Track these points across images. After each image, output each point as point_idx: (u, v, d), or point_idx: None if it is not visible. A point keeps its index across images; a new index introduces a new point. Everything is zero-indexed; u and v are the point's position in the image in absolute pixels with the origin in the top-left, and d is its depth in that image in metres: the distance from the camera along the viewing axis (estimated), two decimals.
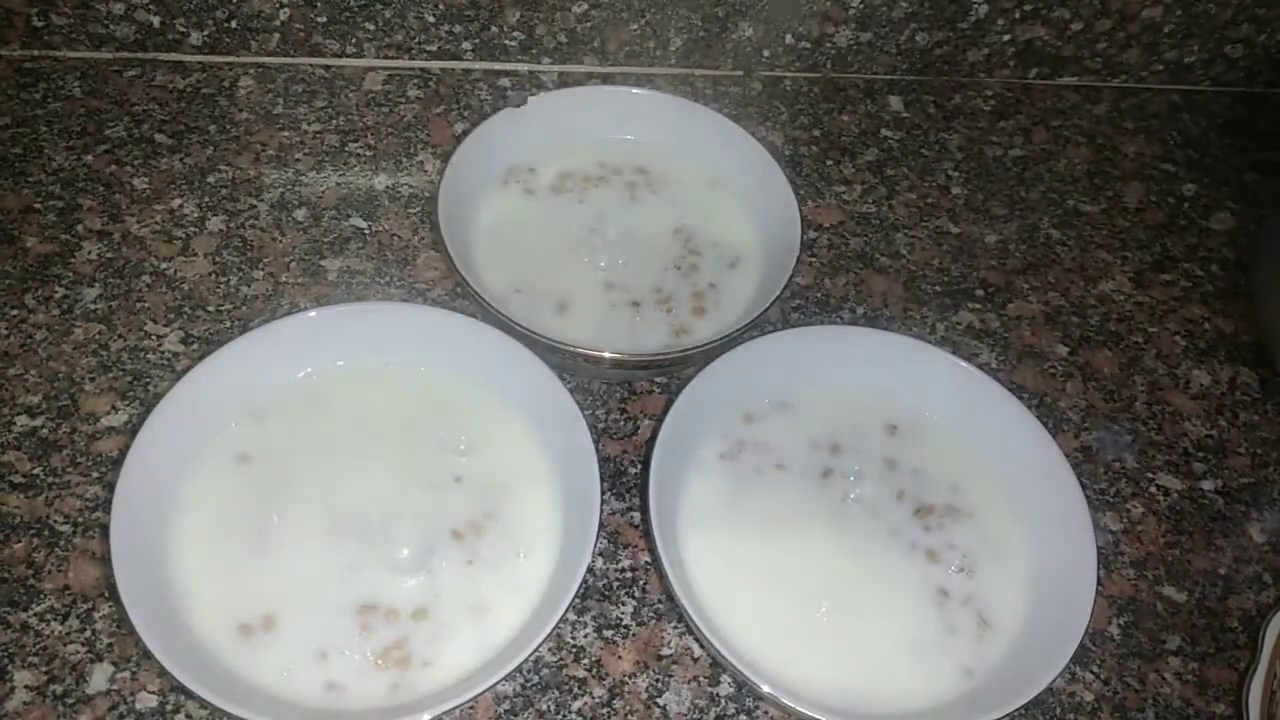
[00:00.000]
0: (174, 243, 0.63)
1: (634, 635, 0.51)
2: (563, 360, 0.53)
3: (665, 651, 0.51)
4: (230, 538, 0.47)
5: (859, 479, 0.53)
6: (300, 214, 0.65)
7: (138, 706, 0.46)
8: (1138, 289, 0.70)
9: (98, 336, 0.58)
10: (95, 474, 0.53)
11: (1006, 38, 0.79)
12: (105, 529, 0.44)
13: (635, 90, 0.66)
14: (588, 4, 0.73)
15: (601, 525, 0.47)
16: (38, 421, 0.54)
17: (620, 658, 0.50)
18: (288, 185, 0.66)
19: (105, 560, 0.45)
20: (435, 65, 0.75)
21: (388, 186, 0.67)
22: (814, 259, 0.68)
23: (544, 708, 0.48)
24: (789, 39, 0.77)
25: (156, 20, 0.70)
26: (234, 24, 0.71)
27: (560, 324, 0.57)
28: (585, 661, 0.50)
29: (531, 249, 0.60)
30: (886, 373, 0.55)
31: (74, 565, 0.50)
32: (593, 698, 0.49)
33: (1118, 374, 0.65)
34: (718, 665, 0.50)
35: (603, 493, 0.47)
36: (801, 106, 0.77)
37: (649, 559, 0.53)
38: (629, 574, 0.53)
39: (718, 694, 0.50)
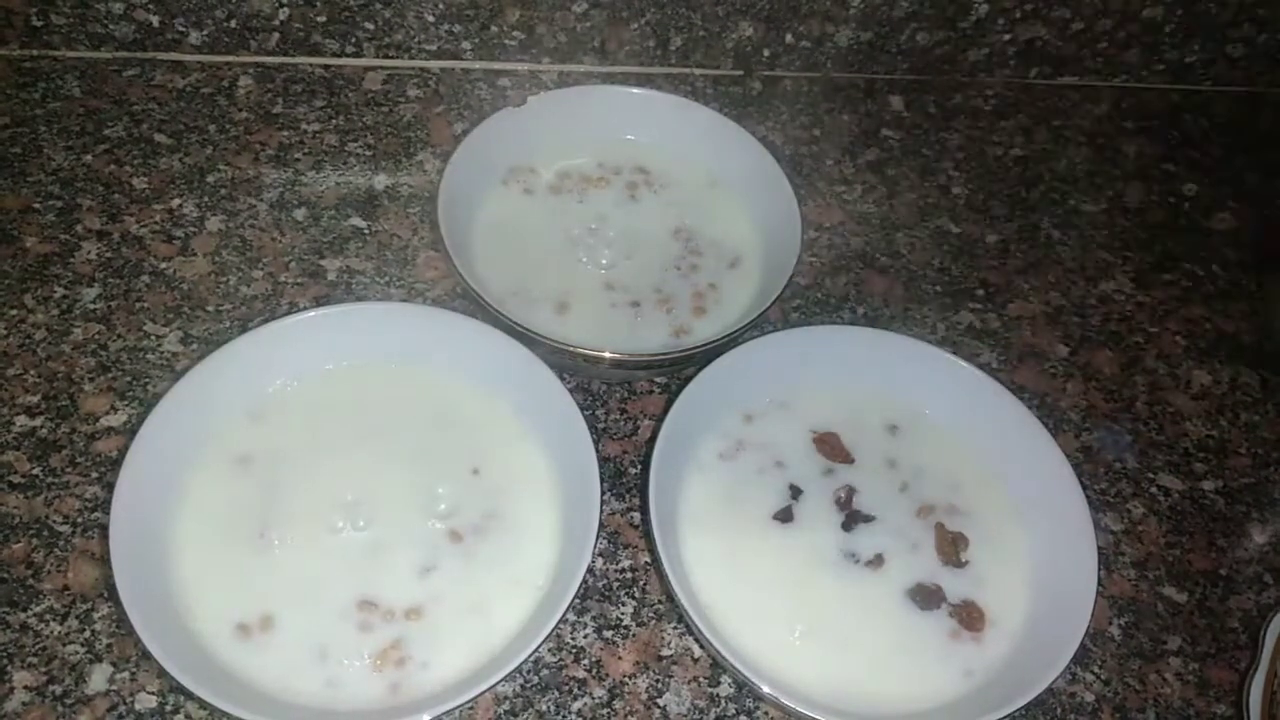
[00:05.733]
0: (173, 243, 0.62)
1: (634, 635, 0.51)
2: (563, 360, 0.53)
3: (665, 652, 0.51)
4: (229, 538, 0.47)
5: (860, 478, 0.53)
6: (300, 214, 0.65)
7: (137, 707, 0.46)
8: (1138, 289, 0.70)
9: (97, 336, 0.58)
10: (95, 474, 0.53)
11: (1007, 37, 0.79)
12: (105, 529, 0.44)
13: (635, 90, 0.66)
14: (588, 4, 0.73)
15: (601, 525, 0.47)
16: (37, 421, 0.54)
17: (620, 658, 0.50)
18: (287, 185, 0.66)
19: (105, 560, 0.45)
20: (435, 65, 0.75)
21: (387, 186, 0.67)
22: (814, 259, 0.68)
23: (544, 708, 0.48)
24: (789, 39, 0.77)
25: (156, 20, 0.70)
26: (233, 23, 0.71)
27: (560, 324, 0.57)
28: (585, 662, 0.50)
29: (531, 249, 0.60)
30: (886, 373, 0.55)
31: (73, 565, 0.50)
32: (593, 698, 0.49)
33: (1118, 374, 0.65)
34: (718, 665, 0.50)
35: (603, 493, 0.47)
36: (801, 106, 0.77)
37: (649, 559, 0.53)
38: (629, 574, 0.53)
39: (718, 694, 0.50)
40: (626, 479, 0.56)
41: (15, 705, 0.46)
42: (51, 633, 0.48)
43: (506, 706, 0.48)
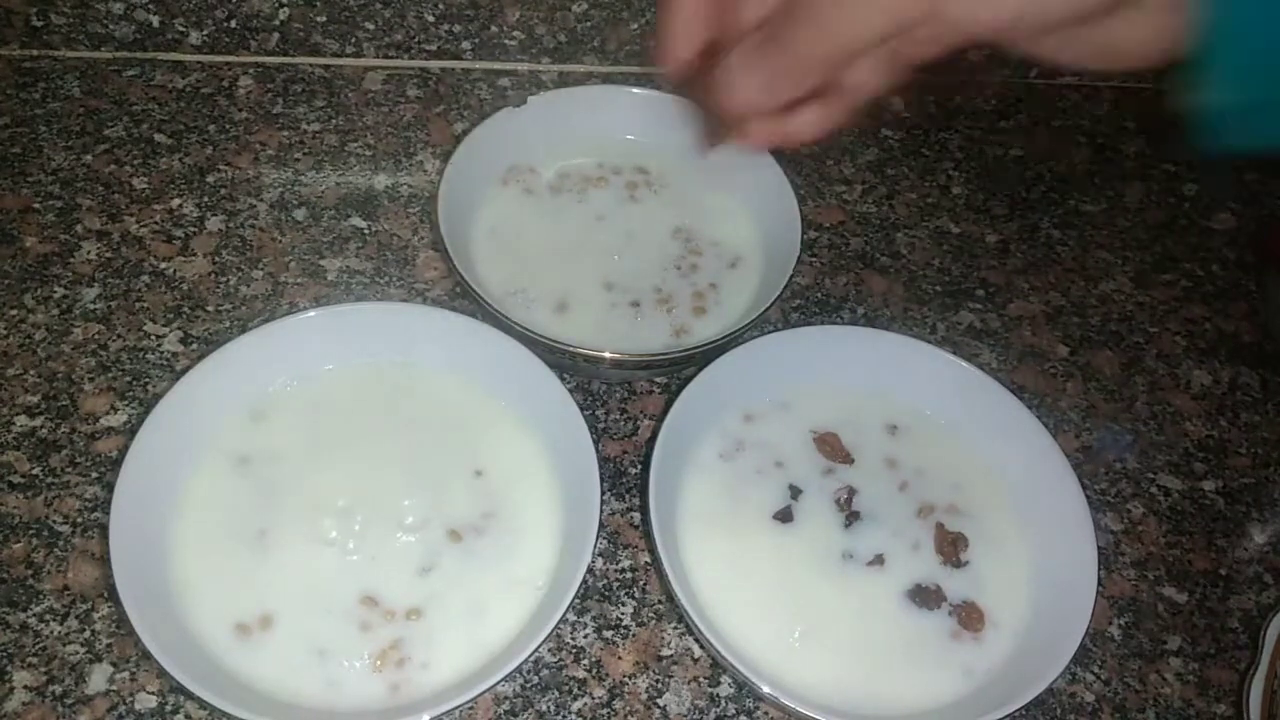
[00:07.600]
0: (173, 242, 0.63)
1: (634, 636, 0.51)
2: (563, 360, 0.53)
3: (665, 652, 0.50)
4: (229, 538, 0.47)
5: (860, 478, 0.53)
6: (300, 214, 0.65)
7: (137, 707, 0.46)
8: (1138, 289, 0.70)
9: (97, 336, 0.58)
10: (95, 474, 0.53)
11: None
12: (105, 529, 0.44)
13: (635, 90, 0.66)
14: (588, 4, 0.73)
15: (601, 525, 0.47)
16: (37, 421, 0.54)
17: (620, 658, 0.50)
18: (287, 185, 0.66)
19: (105, 560, 0.45)
20: (435, 65, 0.75)
21: (387, 186, 0.67)
22: (814, 259, 0.68)
23: (544, 708, 0.48)
24: None
25: (156, 20, 0.70)
26: (233, 23, 0.71)
27: (560, 324, 0.57)
28: (585, 662, 0.50)
29: (531, 249, 0.60)
30: (886, 373, 0.55)
31: (73, 565, 0.50)
32: (593, 698, 0.49)
33: (1118, 374, 0.65)
34: (718, 666, 0.50)
35: (603, 493, 0.47)
36: None
37: (649, 559, 0.53)
38: (629, 574, 0.53)
39: (718, 694, 0.50)
40: (626, 479, 0.56)
41: (15, 705, 0.46)
42: (51, 633, 0.48)
43: (506, 706, 0.48)
